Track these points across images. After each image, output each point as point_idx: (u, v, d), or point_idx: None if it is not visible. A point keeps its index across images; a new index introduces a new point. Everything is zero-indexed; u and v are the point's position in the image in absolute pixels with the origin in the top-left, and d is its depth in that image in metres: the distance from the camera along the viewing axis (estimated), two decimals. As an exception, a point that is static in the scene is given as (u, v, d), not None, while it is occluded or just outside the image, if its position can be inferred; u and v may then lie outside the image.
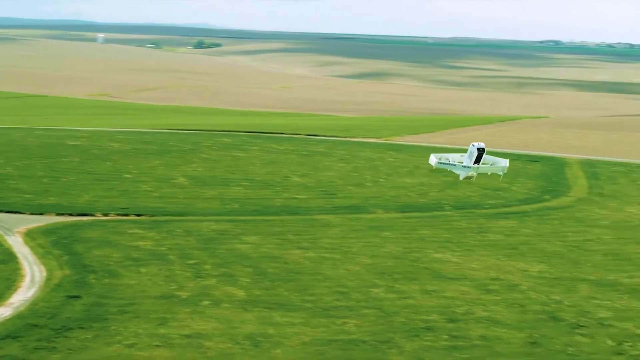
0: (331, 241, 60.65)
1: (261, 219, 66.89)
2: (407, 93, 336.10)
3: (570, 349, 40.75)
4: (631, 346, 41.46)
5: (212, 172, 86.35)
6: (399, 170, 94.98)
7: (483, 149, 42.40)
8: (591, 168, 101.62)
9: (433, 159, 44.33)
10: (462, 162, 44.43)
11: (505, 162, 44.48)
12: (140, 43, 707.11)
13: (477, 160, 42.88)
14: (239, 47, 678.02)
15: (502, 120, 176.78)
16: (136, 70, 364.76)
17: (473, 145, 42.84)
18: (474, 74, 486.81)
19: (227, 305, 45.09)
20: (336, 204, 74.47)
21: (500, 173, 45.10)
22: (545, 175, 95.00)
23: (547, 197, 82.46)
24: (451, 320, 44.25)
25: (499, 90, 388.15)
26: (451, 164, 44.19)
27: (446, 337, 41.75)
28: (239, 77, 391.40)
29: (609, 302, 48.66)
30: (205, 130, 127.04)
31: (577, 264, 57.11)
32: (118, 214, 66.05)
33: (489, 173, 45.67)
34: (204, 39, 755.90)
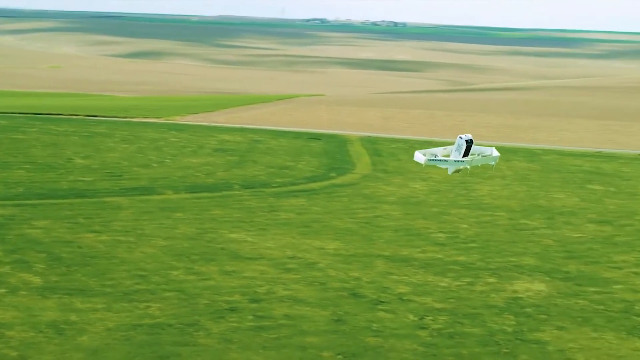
0: (123, 224, 59.22)
1: (49, 203, 64.62)
2: (182, 72, 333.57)
3: (374, 325, 41.05)
4: (433, 320, 42.15)
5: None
6: (183, 151, 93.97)
7: (471, 141, 41.13)
8: (372, 145, 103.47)
9: (420, 157, 42.46)
10: (448, 156, 42.90)
11: (495, 152, 43.24)
12: None
13: (466, 153, 41.48)
14: (2, 27, 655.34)
15: (280, 98, 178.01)
16: None
17: (460, 137, 41.40)
18: (247, 53, 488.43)
19: (24, 292, 43.18)
20: (124, 185, 72.90)
21: (492, 163, 43.91)
22: (329, 153, 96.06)
23: (333, 174, 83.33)
24: (254, 301, 43.86)
25: (272, 68, 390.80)
26: (442, 160, 42.52)
27: (251, 317, 41.32)
28: (4, 56, 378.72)
29: (405, 277, 49.39)
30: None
31: (371, 241, 57.84)
32: None
33: (480, 165, 44.63)
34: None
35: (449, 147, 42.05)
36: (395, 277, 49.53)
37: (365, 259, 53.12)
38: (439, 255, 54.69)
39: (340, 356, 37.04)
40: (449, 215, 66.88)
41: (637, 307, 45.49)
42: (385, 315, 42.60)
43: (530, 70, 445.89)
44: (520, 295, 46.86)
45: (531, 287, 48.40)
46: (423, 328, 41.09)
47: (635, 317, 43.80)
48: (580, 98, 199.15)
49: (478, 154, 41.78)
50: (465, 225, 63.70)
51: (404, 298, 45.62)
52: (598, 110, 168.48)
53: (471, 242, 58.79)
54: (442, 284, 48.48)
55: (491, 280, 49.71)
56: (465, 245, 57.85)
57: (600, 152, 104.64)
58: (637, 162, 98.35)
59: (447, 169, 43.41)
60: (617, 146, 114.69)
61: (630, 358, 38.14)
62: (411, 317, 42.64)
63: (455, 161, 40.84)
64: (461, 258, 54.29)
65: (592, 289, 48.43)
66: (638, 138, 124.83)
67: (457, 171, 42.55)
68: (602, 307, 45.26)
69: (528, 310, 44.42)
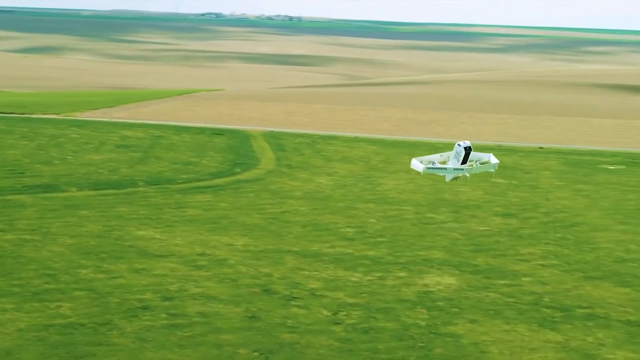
0: (28, 222, 58.09)
1: (-49, 201, 63.17)
2: (79, 68, 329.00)
3: (289, 321, 40.99)
4: (346, 315, 42.24)
5: None
6: (85, 147, 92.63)
7: (470, 148, 40.05)
8: (275, 140, 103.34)
9: (418, 165, 41.23)
10: (445, 162, 41.79)
11: (493, 159, 42.17)
12: None
13: (465, 160, 40.37)
14: None
15: (180, 93, 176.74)
16: None
17: (459, 145, 40.35)
18: (143, 48, 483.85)
19: None
20: (27, 183, 71.53)
21: (492, 171, 42.82)
22: (232, 148, 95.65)
23: (238, 170, 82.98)
24: (166, 299, 43.43)
25: (170, 63, 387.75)
26: (441, 168, 41.27)
27: (164, 315, 40.91)
28: None
29: (317, 273, 49.42)
30: None
31: (280, 236, 57.73)
32: None
33: (478, 172, 43.56)
34: None
35: (445, 154, 41.33)
36: (306, 272, 49.51)
37: (275, 254, 53.01)
38: (349, 250, 54.85)
39: (256, 353, 36.88)
40: (356, 210, 67.12)
41: (546, 299, 46.21)
42: (299, 311, 42.55)
43: (427, 64, 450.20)
44: (431, 289, 47.23)
45: (441, 281, 48.83)
46: (337, 323, 41.14)
47: (545, 309, 44.49)
48: (478, 92, 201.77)
49: (476, 161, 41.17)
50: (372, 220, 63.99)
51: (317, 293, 45.62)
52: (495, 103, 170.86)
53: (379, 236, 59.06)
54: (354, 279, 48.61)
55: (402, 274, 50.00)
56: (374, 239, 58.10)
57: (500, 146, 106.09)
58: (536, 155, 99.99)
59: (444, 176, 43.06)
60: (516, 139, 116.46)
61: (543, 350, 38.71)
62: (325, 312, 42.67)
63: (454, 169, 40.01)
64: (370, 253, 54.52)
65: (501, 282, 49.07)
66: (535, 131, 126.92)
67: (455, 179, 42.08)
68: (512, 300, 45.88)
69: (440, 303, 44.80)
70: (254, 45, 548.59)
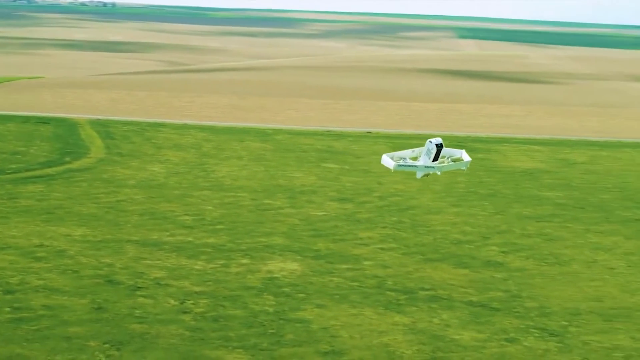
0: None
1: None
2: None
3: (136, 311, 40.63)
4: (194, 304, 42.14)
5: None
6: None
7: (441, 145, 38.77)
8: (104, 128, 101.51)
9: (389, 161, 39.63)
10: (416, 158, 40.40)
11: (466, 156, 40.86)
12: None
13: (436, 157, 39.12)
14: None
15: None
16: None
17: (430, 142, 38.98)
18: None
19: None
20: None
21: (463, 168, 41.52)
22: (60, 137, 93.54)
23: (68, 159, 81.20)
24: (8, 292, 42.40)
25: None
26: (413, 165, 39.81)
27: (8, 309, 39.95)
28: None
29: (159, 262, 49.08)
30: None
31: (118, 226, 57.00)
32: None
33: (451, 170, 42.10)
34: None
35: (417, 150, 40.72)
36: (148, 261, 49.12)
37: (115, 244, 52.38)
38: (189, 238, 54.65)
39: (107, 345, 36.46)
40: (192, 198, 66.80)
41: (389, 282, 47.16)
42: (146, 301, 42.22)
43: (245, 50, 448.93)
44: (275, 275, 47.57)
45: (285, 267, 49.22)
46: (186, 312, 41.02)
47: (389, 292, 45.40)
48: (300, 78, 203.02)
49: (448, 157, 40.78)
50: (210, 207, 63.84)
51: (162, 283, 45.35)
52: (319, 89, 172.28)
53: (218, 223, 59.03)
54: (197, 267, 48.53)
55: (244, 261, 50.18)
56: (213, 227, 58.04)
57: (329, 131, 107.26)
58: (365, 140, 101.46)
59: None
60: (343, 124, 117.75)
61: (392, 333, 39.53)
62: (172, 301, 42.47)
63: (425, 166, 39.55)
64: (211, 240, 54.49)
65: (344, 266, 49.80)
66: (361, 116, 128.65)
67: (427, 175, 41.78)
68: (356, 284, 46.64)
69: (286, 289, 45.18)
70: (70, 31, 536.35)
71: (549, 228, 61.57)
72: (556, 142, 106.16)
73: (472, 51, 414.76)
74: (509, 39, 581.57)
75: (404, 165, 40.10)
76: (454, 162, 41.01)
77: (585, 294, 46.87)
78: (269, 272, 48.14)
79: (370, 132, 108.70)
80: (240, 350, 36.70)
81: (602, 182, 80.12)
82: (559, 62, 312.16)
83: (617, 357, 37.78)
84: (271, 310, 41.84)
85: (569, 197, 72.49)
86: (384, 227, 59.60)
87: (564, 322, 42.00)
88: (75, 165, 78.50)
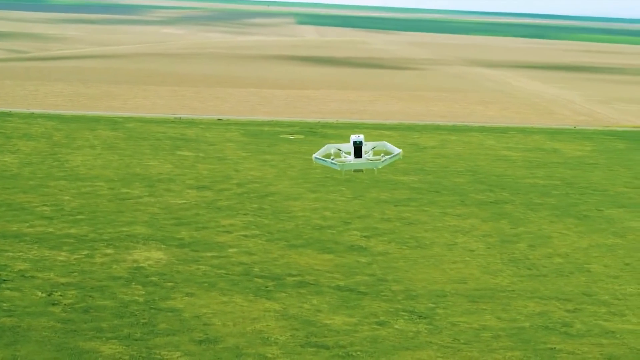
0: None
1: None
2: None
3: (4, 304, 40.04)
4: (62, 295, 41.75)
5: None
6: None
7: (360, 142, 37.90)
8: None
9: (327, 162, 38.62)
10: (349, 154, 39.27)
11: (398, 151, 39.96)
12: None
13: (359, 154, 38.10)
14: None
15: None
16: None
17: (351, 138, 38.23)
18: None
19: None
20: None
21: (395, 158, 40.49)
22: None
23: None
24: None
25: None
26: (331, 162, 38.85)
27: None
28: None
29: (21, 254, 48.34)
30: None
31: (-26, 218, 55.84)
32: None
33: (388, 164, 40.81)
34: None
35: (344, 145, 40.32)
36: (10, 254, 48.33)
37: (-31, 237, 51.32)
38: (50, 229, 53.95)
39: (-23, 340, 35.83)
40: (49, 188, 65.75)
41: (256, 269, 47.63)
42: (12, 294, 41.62)
43: (85, 37, 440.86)
44: (142, 265, 47.48)
45: (150, 256, 49.15)
46: (55, 304, 40.62)
47: (256, 279, 45.87)
48: (145, 64, 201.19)
49: (382, 154, 40.31)
50: (67, 197, 63.00)
51: (26, 275, 44.74)
52: (165, 76, 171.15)
53: (78, 214, 58.37)
54: (61, 258, 48.01)
55: (109, 251, 49.89)
56: (73, 217, 57.38)
57: (180, 119, 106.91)
58: (217, 127, 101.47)
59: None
60: (193, 112, 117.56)
61: (264, 319, 39.99)
62: (39, 294, 41.98)
63: (370, 161, 39.12)
64: (72, 231, 53.93)
65: (209, 254, 50.02)
66: (211, 103, 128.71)
67: (360, 171, 41.41)
68: (223, 272, 46.95)
69: (153, 279, 45.16)
70: None
71: (407, 212, 63.06)
72: (405, 127, 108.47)
73: (314, 37, 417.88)
74: (346, 25, 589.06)
75: (321, 160, 40.81)
76: (391, 157, 41.39)
77: (449, 276, 48.33)
78: (135, 261, 48.01)
79: (220, 120, 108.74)
80: (115, 340, 36.60)
81: (453, 166, 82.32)
82: (397, 47, 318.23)
83: (485, 337, 39.09)
84: (141, 300, 41.81)
85: (423, 181, 74.29)
86: (245, 214, 59.99)
87: (431, 305, 43.25)
88: None
